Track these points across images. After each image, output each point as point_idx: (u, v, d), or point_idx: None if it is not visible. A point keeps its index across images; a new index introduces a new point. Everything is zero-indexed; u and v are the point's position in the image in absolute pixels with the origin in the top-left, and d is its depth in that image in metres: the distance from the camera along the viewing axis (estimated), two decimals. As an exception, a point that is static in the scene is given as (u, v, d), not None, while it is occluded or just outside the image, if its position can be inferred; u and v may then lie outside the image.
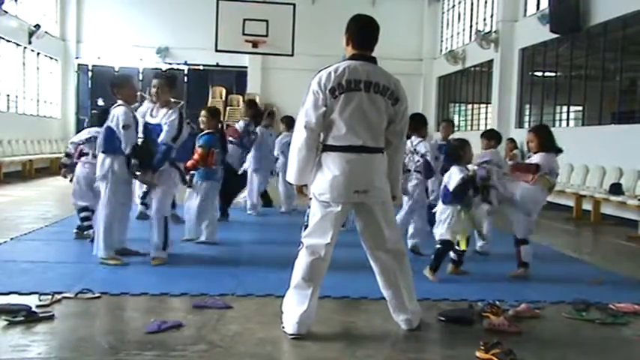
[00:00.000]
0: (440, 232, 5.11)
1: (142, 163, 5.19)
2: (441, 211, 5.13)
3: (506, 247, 6.52)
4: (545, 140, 5.21)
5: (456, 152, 5.21)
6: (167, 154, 5.23)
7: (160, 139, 5.20)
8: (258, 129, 8.54)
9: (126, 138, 5.09)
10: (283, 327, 3.63)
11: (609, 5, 10.35)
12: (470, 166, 5.79)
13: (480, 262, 5.91)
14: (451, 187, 5.03)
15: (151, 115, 5.40)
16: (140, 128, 5.30)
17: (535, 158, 5.20)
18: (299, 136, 3.57)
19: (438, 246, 5.10)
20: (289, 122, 9.45)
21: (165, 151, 5.21)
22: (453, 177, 5.06)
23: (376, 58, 3.67)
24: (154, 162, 5.21)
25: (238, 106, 17.67)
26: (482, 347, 3.30)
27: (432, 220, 5.65)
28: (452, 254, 5.24)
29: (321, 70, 3.61)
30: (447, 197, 5.09)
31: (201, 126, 6.45)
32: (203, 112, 6.42)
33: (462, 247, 5.14)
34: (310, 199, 3.71)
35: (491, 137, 6.38)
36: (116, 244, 5.39)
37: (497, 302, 4.13)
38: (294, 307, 3.61)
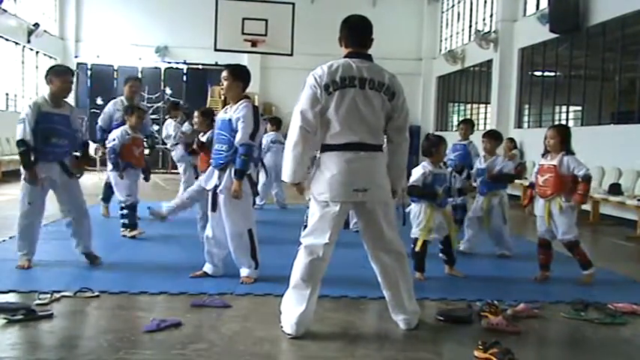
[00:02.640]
0: (413, 231, 5.17)
1: (23, 163, 4.94)
2: (411, 210, 5.22)
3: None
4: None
5: (428, 149, 5.22)
6: (249, 155, 4.61)
7: (236, 140, 4.58)
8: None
9: (18, 130, 4.92)
10: (282, 327, 3.64)
11: (609, 5, 10.35)
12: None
13: (477, 261, 5.92)
14: (409, 182, 5.12)
15: (225, 112, 4.82)
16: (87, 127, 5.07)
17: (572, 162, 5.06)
18: (295, 132, 3.52)
19: (412, 245, 5.11)
20: (277, 123, 9.77)
21: (245, 152, 4.57)
22: (414, 173, 5.16)
23: (371, 56, 3.67)
24: (238, 166, 4.57)
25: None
26: (481, 347, 3.30)
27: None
28: (441, 255, 5.25)
29: (316, 68, 3.61)
30: (410, 193, 5.18)
31: (195, 127, 6.40)
32: (196, 114, 6.31)
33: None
34: (309, 199, 3.71)
35: (497, 138, 6.41)
36: (81, 248, 5.25)
37: (496, 302, 4.13)
38: (292, 307, 3.61)
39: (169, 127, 8.80)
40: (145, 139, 7.76)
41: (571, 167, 5.05)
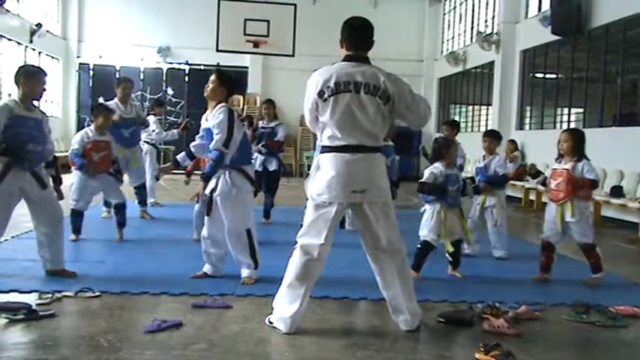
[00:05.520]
0: (422, 232, 5.16)
1: None
2: (425, 210, 5.23)
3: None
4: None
5: (438, 151, 5.27)
6: (218, 161, 4.57)
7: (210, 145, 4.61)
8: None
9: None
10: (271, 322, 3.70)
11: (611, 7, 10.35)
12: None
13: (478, 263, 5.91)
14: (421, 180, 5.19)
15: (206, 120, 4.80)
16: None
17: (586, 168, 5.10)
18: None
19: (418, 246, 5.12)
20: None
21: (215, 157, 4.56)
22: (426, 172, 5.21)
23: (369, 58, 3.66)
24: (206, 169, 4.64)
25: (239, 105, 17.68)
26: (482, 349, 3.30)
27: None
28: (447, 255, 5.25)
29: (314, 71, 3.65)
30: (421, 190, 5.21)
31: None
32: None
33: (447, 248, 5.14)
34: (307, 199, 3.72)
35: (499, 138, 6.43)
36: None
37: (497, 304, 4.13)
38: (286, 305, 3.65)
39: (150, 123, 8.92)
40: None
41: (584, 170, 5.07)
